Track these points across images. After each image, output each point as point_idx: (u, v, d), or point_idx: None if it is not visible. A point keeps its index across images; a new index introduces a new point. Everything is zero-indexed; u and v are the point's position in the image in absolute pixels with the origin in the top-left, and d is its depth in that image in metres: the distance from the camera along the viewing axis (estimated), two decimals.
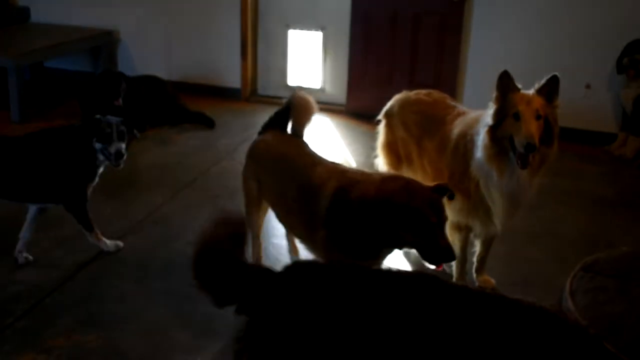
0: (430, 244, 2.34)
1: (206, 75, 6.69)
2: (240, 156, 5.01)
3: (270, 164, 3.03)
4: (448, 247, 2.34)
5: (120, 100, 5.18)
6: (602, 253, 2.89)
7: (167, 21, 6.64)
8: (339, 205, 2.56)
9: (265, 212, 3.29)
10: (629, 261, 2.81)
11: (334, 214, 2.58)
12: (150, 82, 5.70)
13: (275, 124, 3.19)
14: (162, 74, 6.18)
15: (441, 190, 2.44)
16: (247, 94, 6.65)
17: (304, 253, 3.41)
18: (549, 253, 3.88)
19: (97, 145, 3.32)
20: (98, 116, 3.38)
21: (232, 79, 6.62)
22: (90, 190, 3.46)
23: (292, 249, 3.51)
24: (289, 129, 3.20)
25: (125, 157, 3.38)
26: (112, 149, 3.31)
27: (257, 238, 3.33)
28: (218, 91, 6.62)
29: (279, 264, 3.44)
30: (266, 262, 3.43)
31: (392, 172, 3.27)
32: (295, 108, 3.10)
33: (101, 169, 3.46)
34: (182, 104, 5.85)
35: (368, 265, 2.59)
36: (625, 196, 4.86)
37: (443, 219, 2.37)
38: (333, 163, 2.87)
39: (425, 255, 2.36)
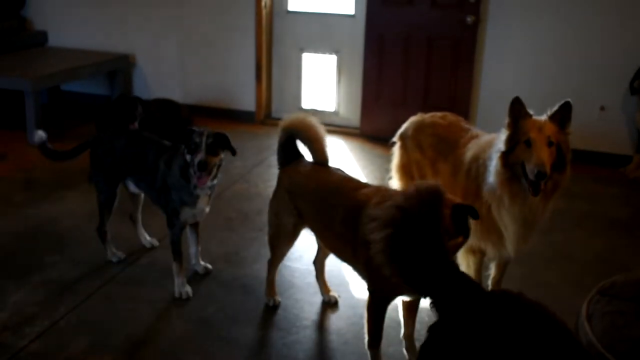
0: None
1: (221, 98, 6.75)
2: (254, 179, 5.09)
3: (313, 193, 3.01)
4: None
5: (137, 124, 5.23)
6: (618, 276, 2.86)
7: (182, 45, 6.73)
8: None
9: (293, 245, 3.29)
10: None
11: None
12: (165, 106, 5.74)
13: (293, 154, 3.20)
14: (176, 97, 6.25)
15: (462, 210, 2.39)
16: (261, 117, 6.70)
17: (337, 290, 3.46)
18: (565, 276, 3.85)
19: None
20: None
21: (247, 102, 6.67)
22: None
23: (324, 288, 3.46)
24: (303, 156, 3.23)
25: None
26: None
27: (276, 267, 3.34)
28: (232, 114, 6.67)
29: (292, 288, 3.50)
30: (279, 285, 3.44)
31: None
32: (306, 138, 3.10)
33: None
34: (197, 126, 5.89)
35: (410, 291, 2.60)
36: None
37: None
38: (379, 186, 2.91)
39: None
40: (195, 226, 3.55)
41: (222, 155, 3.21)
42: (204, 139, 3.10)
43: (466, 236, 2.40)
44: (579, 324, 2.46)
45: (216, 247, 3.93)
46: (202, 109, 6.62)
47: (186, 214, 3.32)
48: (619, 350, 2.34)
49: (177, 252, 3.39)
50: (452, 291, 1.95)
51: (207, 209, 3.40)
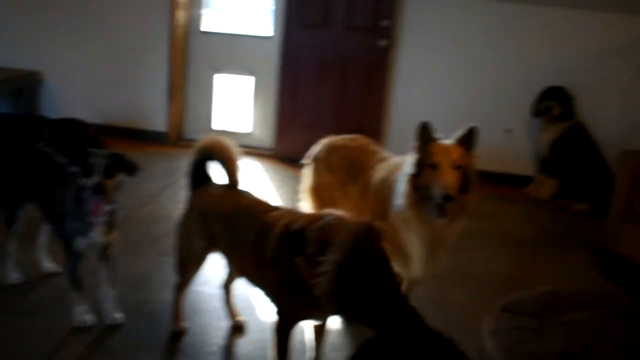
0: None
1: (132, 119, 6.61)
2: (164, 201, 5.00)
3: (226, 215, 2.98)
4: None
5: (42, 145, 5.06)
6: (521, 293, 2.96)
7: (93, 63, 6.55)
8: (284, 242, 2.58)
9: (201, 268, 3.23)
10: (547, 300, 2.89)
11: (280, 252, 2.59)
12: (72, 126, 5.57)
13: (204, 177, 3.16)
14: (86, 117, 6.05)
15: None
16: (174, 138, 6.60)
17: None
18: (471, 295, 3.95)
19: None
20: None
21: (159, 123, 6.56)
22: None
23: (231, 312, 3.40)
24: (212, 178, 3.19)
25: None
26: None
27: (183, 292, 3.27)
28: (144, 135, 6.55)
29: (199, 312, 3.44)
30: (186, 310, 3.38)
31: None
32: (221, 160, 3.08)
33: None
34: (105, 147, 5.74)
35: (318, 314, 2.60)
36: (543, 237, 5.03)
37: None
38: (288, 209, 2.91)
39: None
40: (106, 263, 3.25)
41: (120, 178, 3.06)
42: (99, 160, 2.93)
43: None
44: (484, 341, 2.52)
45: (122, 271, 3.79)
46: (112, 129, 6.45)
47: (80, 243, 3.09)
48: None
49: (75, 282, 3.18)
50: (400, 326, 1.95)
51: (111, 238, 3.17)
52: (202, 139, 3.15)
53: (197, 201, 3.11)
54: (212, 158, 3.12)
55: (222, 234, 3.00)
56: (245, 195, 3.05)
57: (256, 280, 2.89)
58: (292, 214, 2.75)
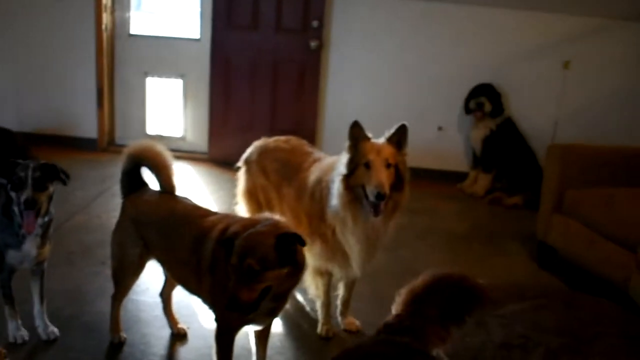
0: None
1: (60, 126, 6.42)
2: (96, 209, 4.87)
3: (160, 222, 2.91)
4: (232, 296, 2.30)
5: None
6: None
7: (17, 69, 6.33)
8: (218, 247, 2.55)
9: (138, 277, 3.14)
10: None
11: (216, 258, 2.56)
12: None
13: (137, 183, 3.09)
14: (11, 125, 5.85)
15: (287, 240, 2.39)
16: (104, 144, 6.45)
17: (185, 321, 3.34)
18: None
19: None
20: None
21: (88, 129, 6.39)
22: None
23: (172, 321, 3.32)
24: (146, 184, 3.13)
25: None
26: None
27: (120, 302, 3.17)
28: (73, 142, 6.36)
29: (138, 322, 3.35)
30: (125, 320, 3.29)
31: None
32: (153, 166, 3.01)
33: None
34: (33, 156, 5.56)
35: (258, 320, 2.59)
36: (478, 231, 5.13)
37: (246, 265, 2.31)
38: (225, 213, 2.87)
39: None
40: (39, 276, 3.12)
41: (52, 189, 2.93)
42: (29, 172, 2.78)
43: (295, 265, 2.41)
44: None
45: (55, 283, 3.68)
46: (40, 137, 6.25)
47: (12, 257, 2.95)
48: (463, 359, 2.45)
49: (7, 297, 3.05)
50: None
51: (45, 251, 3.05)
52: (132, 145, 3.08)
53: (131, 208, 3.04)
54: (144, 164, 3.05)
55: (158, 241, 2.94)
56: (181, 200, 3.00)
57: (194, 288, 2.84)
58: (229, 219, 2.71)
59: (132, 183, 3.09)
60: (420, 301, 2.04)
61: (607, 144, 4.96)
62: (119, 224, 3.07)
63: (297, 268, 2.43)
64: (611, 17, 5.80)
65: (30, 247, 2.95)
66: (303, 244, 2.41)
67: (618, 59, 5.93)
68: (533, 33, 5.95)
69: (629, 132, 5.89)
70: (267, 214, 2.69)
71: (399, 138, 3.00)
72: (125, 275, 3.08)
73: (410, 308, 2.03)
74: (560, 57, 5.94)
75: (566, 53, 5.93)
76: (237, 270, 2.32)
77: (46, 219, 2.95)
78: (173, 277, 3.09)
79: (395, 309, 2.09)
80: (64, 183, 2.97)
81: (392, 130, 3.01)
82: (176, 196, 3.03)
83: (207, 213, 2.85)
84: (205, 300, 2.78)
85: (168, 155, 3.03)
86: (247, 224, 2.50)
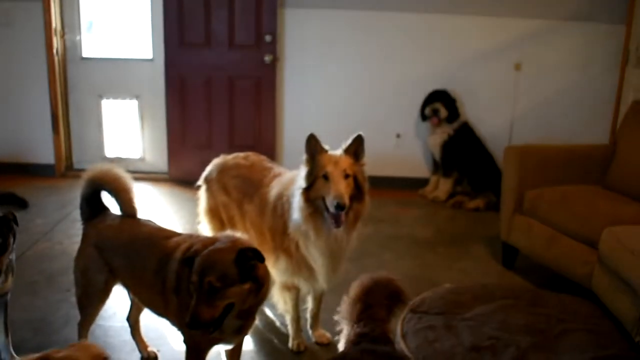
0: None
1: (15, 153, 6.30)
2: (58, 236, 4.79)
3: (124, 246, 2.88)
4: (193, 314, 2.30)
5: None
6: (426, 293, 3.03)
7: None
8: (181, 268, 2.53)
9: (105, 303, 3.09)
10: (452, 297, 2.97)
11: (180, 279, 2.54)
12: None
13: (98, 207, 3.05)
14: None
15: (246, 256, 2.39)
16: (62, 170, 6.35)
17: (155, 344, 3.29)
18: None
19: None
20: None
21: (45, 155, 6.28)
22: None
23: (141, 345, 3.27)
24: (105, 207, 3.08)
25: None
26: None
27: (87, 329, 3.12)
28: (30, 169, 6.25)
29: (107, 348, 3.29)
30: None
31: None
32: (113, 190, 2.98)
33: None
34: None
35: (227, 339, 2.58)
36: (442, 235, 5.18)
37: (206, 283, 2.31)
38: (189, 234, 2.85)
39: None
40: (2, 309, 3.03)
41: (14, 243, 2.83)
42: None
43: (256, 281, 2.41)
44: (396, 343, 2.57)
45: (20, 314, 3.61)
46: None
47: None
48: None
49: None
50: None
51: (8, 284, 2.94)
52: (91, 169, 3.04)
53: (93, 234, 2.99)
54: (103, 189, 3.01)
55: (123, 265, 2.90)
56: (144, 223, 2.97)
57: (161, 310, 2.81)
58: (192, 239, 2.70)
59: (92, 208, 3.05)
60: (370, 306, 2.19)
61: (560, 143, 5.06)
62: (81, 250, 3.02)
63: (259, 284, 2.43)
64: (557, 18, 5.92)
65: None
66: (262, 260, 2.41)
67: (565, 59, 6.06)
68: (483, 37, 6.04)
69: (580, 130, 6.02)
70: (228, 232, 2.68)
71: (356, 148, 3.02)
72: (91, 303, 3.02)
73: (366, 314, 2.17)
74: (511, 59, 6.04)
75: (516, 55, 6.03)
76: (197, 288, 2.31)
77: (9, 255, 2.87)
78: (140, 301, 3.05)
79: (349, 316, 2.24)
80: (16, 223, 2.86)
81: (349, 141, 3.03)
82: (139, 219, 3.00)
83: (170, 234, 2.83)
84: (173, 322, 2.75)
85: (127, 178, 3.00)
86: (208, 242, 2.50)
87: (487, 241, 4.96)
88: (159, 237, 2.82)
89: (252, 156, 3.62)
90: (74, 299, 3.13)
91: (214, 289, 2.30)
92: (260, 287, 2.44)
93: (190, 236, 2.77)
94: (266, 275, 2.50)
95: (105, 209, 3.07)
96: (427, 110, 5.91)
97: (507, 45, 6.04)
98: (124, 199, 2.98)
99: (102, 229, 2.97)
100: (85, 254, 2.99)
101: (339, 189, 2.89)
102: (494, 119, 6.16)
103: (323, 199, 2.95)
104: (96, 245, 2.95)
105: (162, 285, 2.66)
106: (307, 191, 2.99)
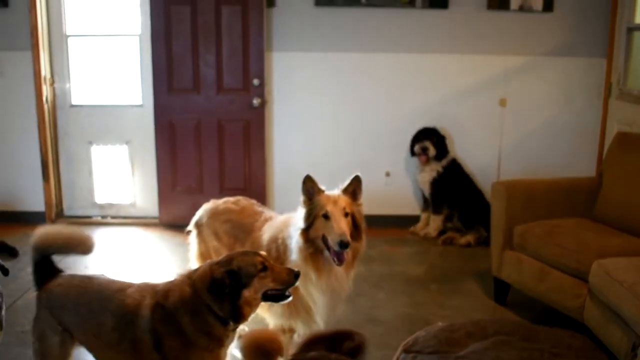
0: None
1: (6, 201, 6.30)
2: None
3: (76, 302, 2.78)
4: None
5: None
6: (419, 332, 3.02)
7: None
8: (161, 322, 2.52)
9: None
10: (446, 335, 2.97)
11: (160, 332, 2.53)
12: None
13: (51, 271, 2.92)
14: None
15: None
16: (53, 217, 6.33)
17: None
18: (372, 339, 3.90)
19: None
20: None
21: (35, 202, 6.27)
22: None
23: None
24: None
25: None
26: None
27: None
28: (20, 216, 6.23)
29: None
30: None
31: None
32: (65, 247, 2.91)
33: None
34: None
35: None
36: (434, 272, 5.18)
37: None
38: (142, 283, 2.77)
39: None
40: None
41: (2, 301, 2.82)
42: None
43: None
44: None
45: None
46: None
47: None
48: None
49: None
50: None
51: None
52: (34, 235, 2.91)
53: (44, 296, 2.86)
54: (52, 252, 2.90)
55: (74, 322, 2.79)
56: (94, 277, 2.88)
57: None
58: (148, 289, 2.65)
59: (44, 272, 2.92)
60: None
61: (547, 176, 5.10)
62: (35, 317, 2.89)
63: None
64: (540, 54, 6.04)
65: None
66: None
67: (549, 93, 6.16)
68: (469, 75, 6.13)
69: (566, 162, 6.10)
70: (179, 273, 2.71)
71: (354, 188, 3.11)
72: None
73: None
74: (496, 95, 6.13)
75: (501, 91, 6.12)
76: None
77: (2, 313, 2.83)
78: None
79: None
80: (6, 274, 2.84)
81: (347, 181, 3.12)
82: (91, 275, 2.92)
83: (122, 286, 2.75)
84: None
85: (68, 230, 2.97)
86: (177, 283, 2.59)
87: (479, 277, 4.97)
88: (110, 289, 2.74)
89: (242, 200, 3.64)
90: None
91: None
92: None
93: (145, 286, 2.71)
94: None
95: (58, 271, 2.94)
96: (416, 149, 5.96)
97: (492, 81, 6.13)
98: (77, 251, 2.93)
99: (51, 287, 2.85)
100: (39, 319, 2.87)
101: (341, 227, 2.96)
102: (482, 154, 6.23)
103: (323, 238, 3.01)
104: (47, 306, 2.84)
105: (132, 347, 2.60)
106: (306, 231, 3.04)
